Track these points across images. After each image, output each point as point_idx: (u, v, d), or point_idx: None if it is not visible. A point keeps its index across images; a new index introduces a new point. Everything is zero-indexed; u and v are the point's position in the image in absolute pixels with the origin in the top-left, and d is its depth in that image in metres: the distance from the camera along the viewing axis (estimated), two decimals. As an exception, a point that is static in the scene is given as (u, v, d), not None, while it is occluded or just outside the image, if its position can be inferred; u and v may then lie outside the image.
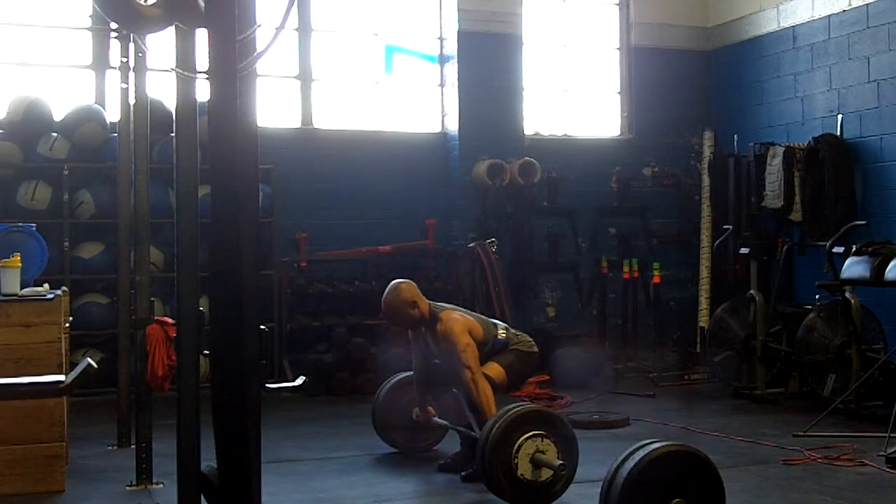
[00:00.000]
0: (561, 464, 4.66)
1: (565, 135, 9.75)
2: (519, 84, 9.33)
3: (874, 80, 8.12)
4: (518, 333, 5.66)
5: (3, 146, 7.73)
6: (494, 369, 5.36)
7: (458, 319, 5.42)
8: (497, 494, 4.74)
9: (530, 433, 4.68)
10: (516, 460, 4.65)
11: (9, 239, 5.46)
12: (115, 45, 6.74)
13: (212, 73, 2.53)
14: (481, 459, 4.73)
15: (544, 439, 4.69)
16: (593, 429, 6.64)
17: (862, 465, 5.40)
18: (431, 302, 5.55)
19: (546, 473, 4.68)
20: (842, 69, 8.44)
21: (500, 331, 5.55)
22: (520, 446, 4.65)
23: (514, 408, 4.82)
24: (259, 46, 2.67)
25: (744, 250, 8.12)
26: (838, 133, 8.34)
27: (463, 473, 5.25)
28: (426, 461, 5.64)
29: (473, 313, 5.75)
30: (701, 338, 9.17)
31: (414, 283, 5.54)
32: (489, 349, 5.45)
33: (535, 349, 5.67)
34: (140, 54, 5.33)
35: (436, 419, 5.77)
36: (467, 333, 5.36)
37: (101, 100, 8.33)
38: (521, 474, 4.64)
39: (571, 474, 4.78)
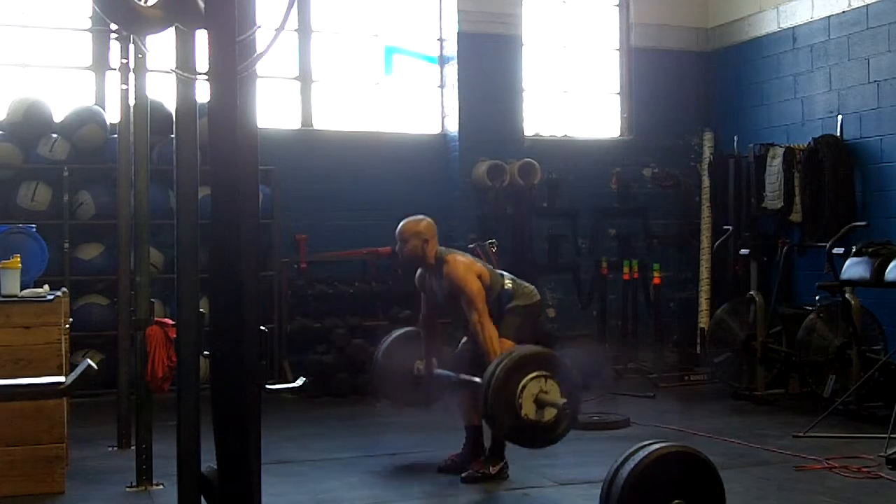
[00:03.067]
0: (565, 402, 4.68)
1: (565, 136, 9.75)
2: (519, 85, 9.33)
3: (874, 81, 8.12)
4: (522, 283, 5.55)
5: (4, 147, 7.73)
6: (506, 345, 5.20)
7: (464, 262, 5.35)
8: (500, 435, 4.75)
9: (534, 374, 4.68)
10: (520, 400, 4.66)
11: (9, 240, 5.46)
12: (115, 47, 6.75)
13: (212, 75, 2.54)
14: (485, 401, 4.73)
15: (548, 380, 4.70)
16: (593, 430, 6.65)
17: (877, 477, 5.22)
18: (441, 248, 5.44)
19: (549, 414, 4.69)
20: (842, 70, 8.44)
21: (507, 280, 5.46)
22: (524, 387, 4.67)
23: (517, 350, 4.82)
24: (259, 47, 2.67)
25: (744, 251, 8.12)
26: (838, 134, 8.34)
27: (463, 475, 5.25)
28: (426, 462, 5.64)
29: (480, 260, 5.70)
30: (701, 339, 9.17)
31: (435, 226, 5.46)
32: (496, 297, 5.36)
33: (538, 297, 5.57)
34: (140, 55, 5.33)
35: (438, 371, 5.67)
36: (474, 275, 5.27)
37: (101, 101, 8.33)
38: (525, 414, 4.65)
39: (574, 416, 4.80)
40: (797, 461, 5.60)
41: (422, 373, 5.72)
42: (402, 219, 5.53)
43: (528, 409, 4.67)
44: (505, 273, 5.59)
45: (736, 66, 9.68)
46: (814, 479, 5.22)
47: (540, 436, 4.76)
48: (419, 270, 5.58)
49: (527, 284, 5.59)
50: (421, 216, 5.51)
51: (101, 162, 7.89)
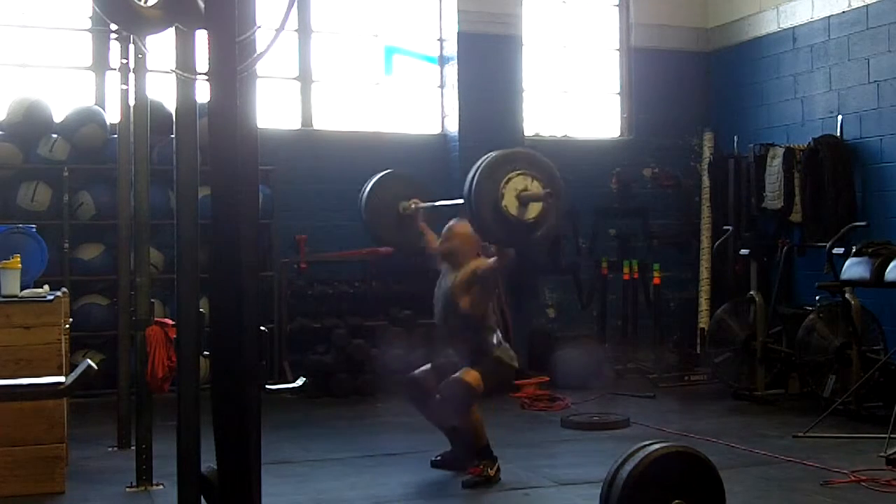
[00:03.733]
0: (547, 191, 4.79)
1: (565, 136, 9.75)
2: (519, 85, 9.33)
3: (874, 81, 8.12)
4: (506, 346, 5.60)
5: (4, 147, 7.73)
6: (472, 376, 5.28)
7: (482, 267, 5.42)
8: (485, 236, 4.94)
9: (518, 172, 4.82)
10: (503, 201, 4.80)
11: (9, 240, 5.47)
12: (115, 47, 6.74)
13: (212, 75, 2.54)
14: (468, 202, 4.89)
15: (533, 180, 4.83)
16: (593, 430, 6.65)
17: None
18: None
19: (533, 211, 4.78)
20: (842, 70, 8.44)
21: (495, 336, 5.51)
22: (507, 181, 4.79)
23: (497, 154, 4.97)
24: (259, 48, 2.67)
25: (744, 251, 8.12)
26: (838, 134, 8.34)
27: (464, 480, 5.24)
28: (426, 462, 5.64)
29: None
30: (701, 339, 9.17)
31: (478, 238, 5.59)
32: (479, 342, 5.41)
33: (516, 365, 5.60)
34: (140, 56, 5.33)
35: (421, 209, 5.96)
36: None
37: (101, 101, 8.33)
38: (507, 209, 4.80)
39: (557, 204, 4.93)
40: (797, 462, 5.59)
41: (408, 212, 5.95)
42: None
43: (510, 205, 4.79)
44: (498, 331, 5.62)
45: (736, 66, 9.68)
46: (813, 479, 5.22)
47: (525, 233, 4.87)
48: (442, 270, 5.68)
49: (509, 349, 5.63)
50: (467, 223, 5.64)
51: (101, 162, 7.90)
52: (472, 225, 5.19)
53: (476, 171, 4.93)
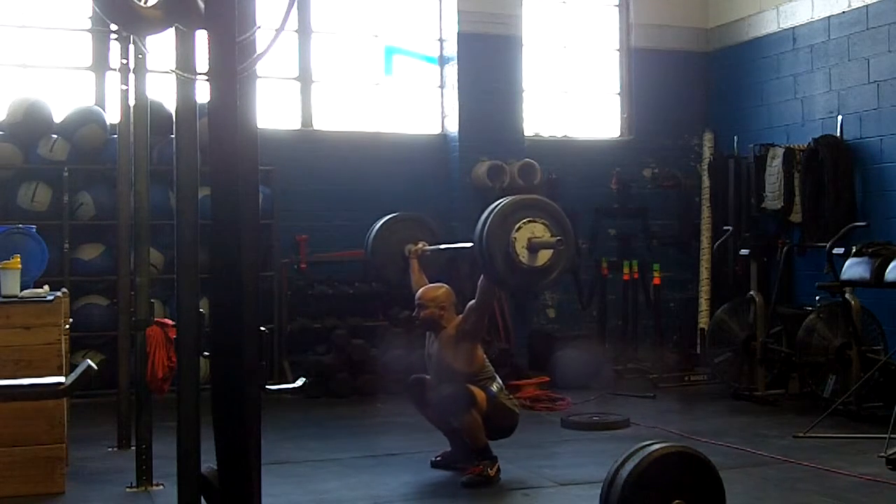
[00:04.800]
0: (559, 239, 4.86)
1: (565, 136, 9.75)
2: (519, 85, 9.33)
3: (874, 82, 8.12)
4: (506, 392, 5.59)
5: (4, 147, 7.73)
6: (479, 394, 5.29)
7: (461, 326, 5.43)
8: (499, 285, 5.02)
9: (525, 220, 4.90)
10: (514, 250, 4.87)
11: (9, 240, 5.46)
12: (115, 47, 6.75)
13: (212, 75, 2.54)
14: (479, 250, 4.97)
15: (544, 227, 4.93)
16: (593, 430, 6.65)
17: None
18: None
19: (543, 258, 4.88)
20: (842, 70, 8.44)
21: (496, 383, 5.48)
22: (518, 229, 4.88)
23: (502, 203, 5.04)
24: (259, 48, 2.67)
25: (744, 251, 8.12)
26: (838, 134, 8.34)
27: (464, 480, 5.24)
28: (426, 462, 5.64)
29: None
30: (701, 339, 9.17)
31: (453, 294, 5.60)
32: (479, 382, 5.40)
33: (518, 413, 5.54)
34: (140, 56, 5.33)
35: (427, 251, 6.02)
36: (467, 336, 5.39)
37: (101, 101, 8.33)
38: (521, 260, 4.87)
39: (569, 251, 5.03)
40: (797, 462, 5.59)
41: (413, 255, 5.99)
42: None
43: (522, 255, 4.87)
44: (499, 378, 5.59)
45: (736, 66, 9.68)
46: (813, 479, 5.22)
47: (536, 279, 4.98)
48: (427, 338, 5.69)
49: (511, 397, 5.64)
50: (440, 284, 5.67)
51: (101, 162, 7.89)
52: (484, 271, 5.16)
53: (487, 218, 4.95)
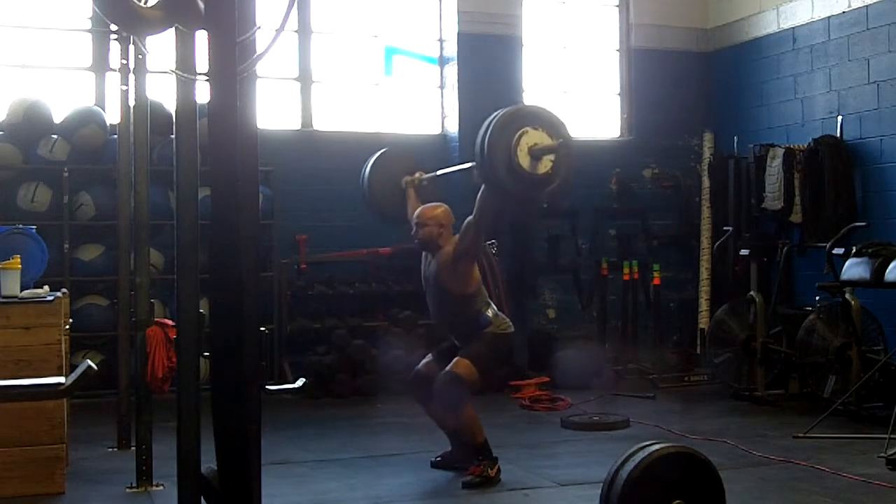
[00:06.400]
0: (560, 141, 4.92)
1: (565, 136, 9.73)
2: (519, 86, 9.32)
3: (874, 82, 8.12)
4: (500, 315, 5.57)
5: (3, 148, 7.73)
6: (464, 366, 5.27)
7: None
8: (502, 195, 5.05)
9: (527, 127, 4.93)
10: (516, 157, 4.87)
11: (9, 241, 5.46)
12: (115, 47, 6.74)
13: (212, 75, 2.54)
14: (481, 163, 4.96)
15: (543, 133, 4.97)
16: (593, 430, 6.65)
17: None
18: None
19: (545, 166, 4.93)
20: (841, 70, 8.44)
21: (490, 309, 5.50)
22: (519, 139, 4.89)
23: (501, 113, 5.05)
24: (259, 48, 2.67)
25: (744, 252, 8.12)
26: (838, 134, 8.34)
27: (464, 481, 5.24)
28: (426, 462, 5.63)
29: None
30: (701, 339, 9.17)
31: (451, 214, 5.62)
32: (473, 317, 5.42)
33: (511, 330, 5.55)
34: (140, 56, 5.34)
35: (424, 181, 6.01)
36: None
37: (101, 102, 8.33)
38: (520, 163, 4.89)
39: (570, 163, 5.05)
40: (797, 462, 5.59)
41: (412, 185, 6.01)
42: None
43: (524, 163, 4.90)
44: (491, 301, 5.62)
45: (736, 66, 9.68)
46: (813, 479, 5.22)
47: (540, 187, 5.03)
48: (424, 255, 5.66)
49: (504, 317, 5.62)
50: (439, 203, 5.68)
51: (101, 163, 7.89)
52: (487, 184, 5.16)
53: (486, 131, 4.96)
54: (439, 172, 6.14)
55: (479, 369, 5.32)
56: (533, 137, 4.95)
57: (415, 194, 6.02)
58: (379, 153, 6.30)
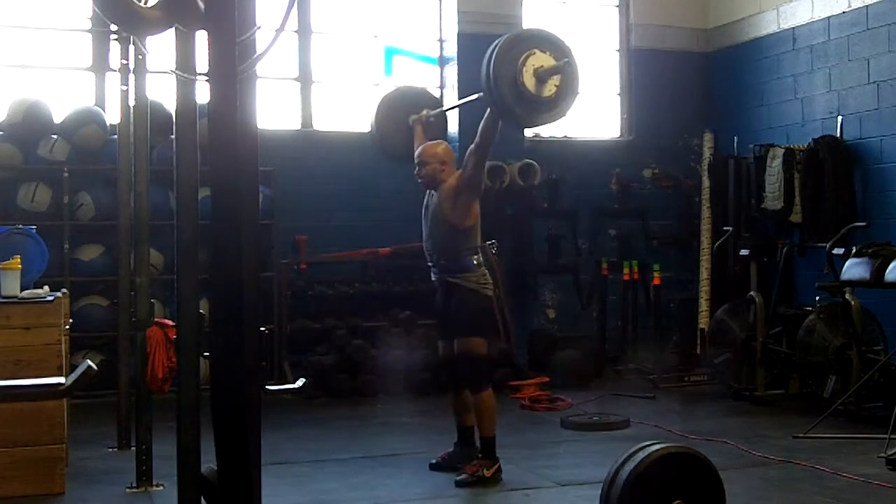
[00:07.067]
0: (565, 60, 4.91)
1: (565, 136, 9.75)
2: (519, 86, 9.30)
3: (874, 82, 8.12)
4: (483, 271, 5.51)
5: (3, 148, 7.73)
6: (464, 343, 5.37)
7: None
8: (508, 118, 5.03)
9: (530, 50, 4.90)
10: (522, 78, 4.85)
11: (9, 241, 5.46)
12: (115, 48, 6.75)
13: (212, 76, 2.54)
14: (487, 90, 4.93)
15: (547, 55, 4.94)
16: (593, 430, 6.65)
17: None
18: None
19: (550, 89, 4.93)
20: (842, 71, 8.44)
21: (476, 257, 5.48)
22: (523, 62, 4.87)
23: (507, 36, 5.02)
24: (259, 48, 2.67)
25: (744, 252, 8.11)
26: (838, 134, 8.34)
27: (457, 479, 5.24)
28: (426, 462, 5.63)
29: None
30: (701, 339, 9.17)
31: (452, 151, 5.66)
32: (461, 253, 5.44)
33: (490, 293, 5.50)
34: (140, 56, 5.34)
35: (431, 117, 6.00)
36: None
37: (101, 102, 8.33)
38: (525, 86, 4.87)
39: (576, 82, 5.07)
40: (797, 463, 5.59)
41: (419, 122, 5.98)
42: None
43: (530, 85, 4.89)
44: (480, 255, 5.55)
45: (736, 66, 9.68)
46: (813, 480, 5.22)
47: (548, 110, 5.01)
48: (426, 196, 5.69)
49: (485, 273, 5.52)
50: (439, 140, 5.73)
51: (101, 163, 7.90)
52: (491, 107, 5.13)
53: (491, 53, 4.95)
54: (446, 107, 6.17)
55: (480, 335, 5.40)
56: (539, 59, 4.93)
57: (422, 131, 6.00)
58: (388, 91, 6.28)
